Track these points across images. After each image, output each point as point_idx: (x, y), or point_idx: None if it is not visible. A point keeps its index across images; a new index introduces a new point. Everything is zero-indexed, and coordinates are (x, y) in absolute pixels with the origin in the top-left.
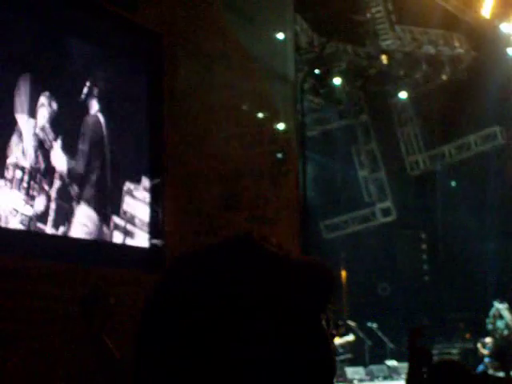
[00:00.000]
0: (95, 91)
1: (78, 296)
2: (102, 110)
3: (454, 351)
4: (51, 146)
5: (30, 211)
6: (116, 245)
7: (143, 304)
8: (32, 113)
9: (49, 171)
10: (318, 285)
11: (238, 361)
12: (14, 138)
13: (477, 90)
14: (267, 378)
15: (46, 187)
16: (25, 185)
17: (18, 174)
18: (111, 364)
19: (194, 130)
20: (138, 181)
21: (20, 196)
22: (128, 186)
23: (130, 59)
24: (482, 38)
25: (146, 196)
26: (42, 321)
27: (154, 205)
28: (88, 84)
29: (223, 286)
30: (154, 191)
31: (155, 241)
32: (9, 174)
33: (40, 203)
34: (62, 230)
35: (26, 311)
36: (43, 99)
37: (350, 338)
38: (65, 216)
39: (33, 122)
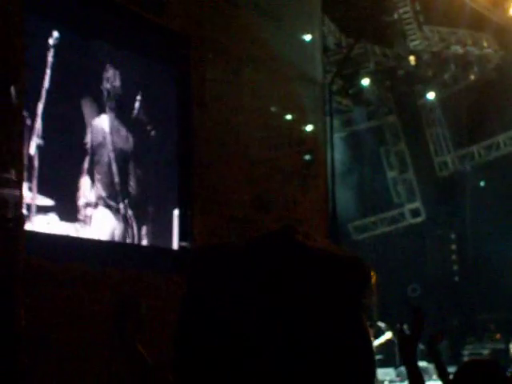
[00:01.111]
0: (127, 97)
1: (108, 299)
2: (135, 116)
3: (485, 352)
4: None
5: (65, 216)
6: (145, 247)
7: (178, 304)
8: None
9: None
10: (356, 280)
11: (279, 355)
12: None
13: (505, 90)
14: (308, 373)
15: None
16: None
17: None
18: (143, 370)
19: (222, 132)
20: (167, 184)
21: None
22: (157, 189)
23: (157, 63)
24: (510, 37)
25: (175, 199)
26: (73, 325)
27: (183, 207)
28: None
29: (265, 283)
30: (182, 194)
31: (184, 243)
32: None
33: (76, 209)
34: (91, 232)
35: (57, 314)
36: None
37: (389, 335)
38: (95, 219)
39: (90, 137)
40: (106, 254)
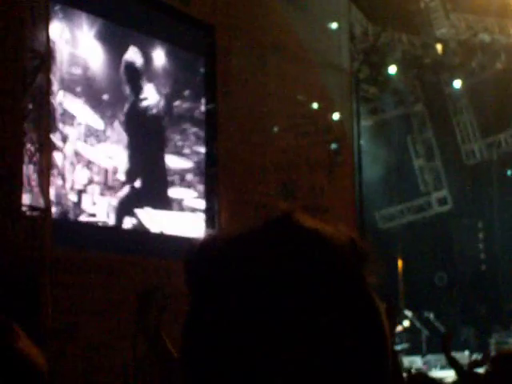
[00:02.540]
0: (157, 88)
1: (134, 287)
2: (163, 106)
3: (511, 340)
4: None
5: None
6: (171, 236)
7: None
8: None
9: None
10: (355, 256)
11: (288, 341)
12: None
13: None
14: (319, 356)
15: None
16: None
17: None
18: (168, 362)
19: (248, 121)
20: (193, 173)
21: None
22: (184, 177)
23: (185, 52)
24: None
25: (202, 187)
26: (99, 313)
27: (209, 196)
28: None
29: (268, 268)
30: (208, 182)
31: (210, 231)
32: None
33: (102, 199)
34: (116, 221)
35: (82, 303)
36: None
37: (406, 324)
38: (121, 208)
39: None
40: (129, 242)
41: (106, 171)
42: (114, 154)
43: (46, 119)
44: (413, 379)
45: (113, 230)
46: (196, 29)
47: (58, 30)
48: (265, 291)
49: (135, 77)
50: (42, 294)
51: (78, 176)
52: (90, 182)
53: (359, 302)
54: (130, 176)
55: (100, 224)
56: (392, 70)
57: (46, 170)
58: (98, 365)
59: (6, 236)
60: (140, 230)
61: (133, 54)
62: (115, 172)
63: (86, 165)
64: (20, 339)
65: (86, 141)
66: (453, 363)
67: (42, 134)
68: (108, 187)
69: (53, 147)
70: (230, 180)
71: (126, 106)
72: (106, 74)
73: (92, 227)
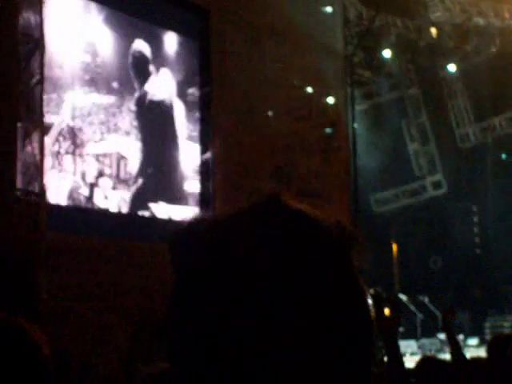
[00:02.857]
0: (154, 73)
1: (129, 272)
2: (160, 92)
3: (506, 324)
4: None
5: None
6: (165, 220)
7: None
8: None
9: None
10: (342, 239)
11: (274, 324)
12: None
13: None
14: (302, 344)
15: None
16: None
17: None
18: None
19: (243, 104)
20: (189, 157)
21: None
22: (179, 161)
23: (179, 36)
24: None
25: (197, 171)
26: (93, 297)
27: (204, 179)
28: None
29: (256, 250)
30: (204, 166)
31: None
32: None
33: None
34: (108, 205)
35: (78, 287)
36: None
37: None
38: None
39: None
40: (126, 227)
41: (118, 164)
42: (125, 146)
43: (39, 103)
44: (423, 363)
45: (108, 214)
46: (190, 13)
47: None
48: (251, 270)
49: (143, 65)
50: (35, 279)
51: (88, 168)
52: (101, 174)
53: (345, 284)
54: (142, 169)
55: (97, 209)
56: (386, 53)
57: (40, 155)
58: (92, 347)
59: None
60: (134, 214)
61: (140, 44)
62: (125, 165)
63: (95, 157)
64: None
65: (93, 130)
66: (452, 341)
67: (36, 118)
68: (120, 180)
69: (45, 131)
70: (225, 164)
71: (136, 95)
72: (112, 61)
73: (88, 211)
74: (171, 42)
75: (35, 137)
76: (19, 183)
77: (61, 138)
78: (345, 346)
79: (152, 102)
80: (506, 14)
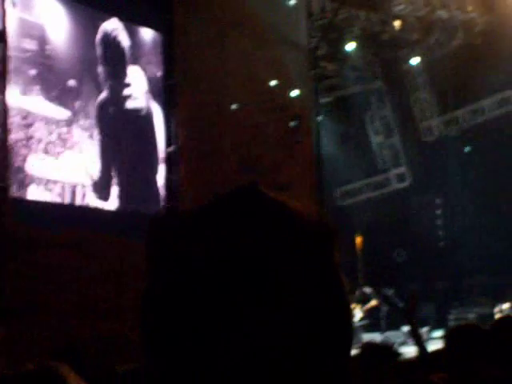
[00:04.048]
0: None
1: (99, 266)
2: (122, 85)
3: (471, 316)
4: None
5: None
6: (123, 212)
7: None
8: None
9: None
10: (324, 233)
11: (253, 314)
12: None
13: (490, 54)
14: (280, 332)
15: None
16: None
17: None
18: None
19: (208, 97)
20: (154, 150)
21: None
22: (145, 154)
23: (142, 29)
24: (495, 1)
25: (163, 165)
26: (62, 291)
27: (170, 172)
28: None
29: (233, 239)
30: (169, 159)
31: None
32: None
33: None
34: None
35: (47, 281)
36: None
37: (373, 302)
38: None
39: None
40: (100, 221)
41: (74, 189)
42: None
43: (1, 96)
44: (364, 349)
45: (81, 208)
46: (153, 5)
47: None
48: (234, 262)
49: (117, 57)
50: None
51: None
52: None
53: (327, 274)
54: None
55: (66, 202)
56: (350, 46)
57: (1, 147)
58: (59, 342)
59: None
60: (107, 209)
61: (112, 25)
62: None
63: (44, 184)
64: None
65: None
66: (413, 331)
67: None
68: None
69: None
70: (188, 155)
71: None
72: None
73: (59, 206)
74: (140, 36)
75: None
76: None
77: None
78: (323, 334)
79: (125, 105)
80: (468, 6)
